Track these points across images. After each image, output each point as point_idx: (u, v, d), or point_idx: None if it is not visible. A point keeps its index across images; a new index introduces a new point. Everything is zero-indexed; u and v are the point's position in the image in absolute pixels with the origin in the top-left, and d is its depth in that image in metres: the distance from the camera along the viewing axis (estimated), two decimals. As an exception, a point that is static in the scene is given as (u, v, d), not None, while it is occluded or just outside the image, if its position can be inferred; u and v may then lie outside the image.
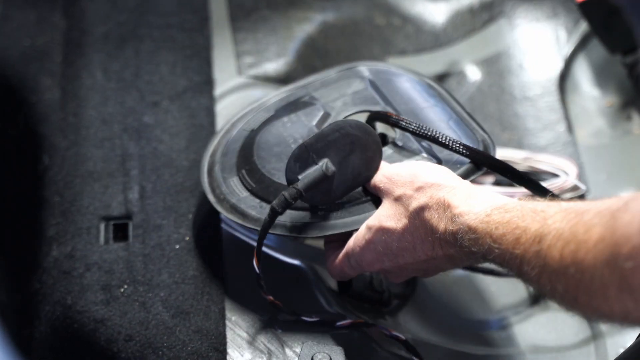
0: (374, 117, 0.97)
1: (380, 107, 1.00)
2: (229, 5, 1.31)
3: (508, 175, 0.90)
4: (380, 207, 0.87)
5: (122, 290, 0.93)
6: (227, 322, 0.92)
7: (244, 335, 0.90)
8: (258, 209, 0.93)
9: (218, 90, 1.18)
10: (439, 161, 0.92)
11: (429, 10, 1.39)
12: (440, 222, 0.79)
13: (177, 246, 0.99)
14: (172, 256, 0.97)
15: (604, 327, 1.03)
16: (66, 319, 0.91)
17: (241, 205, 0.94)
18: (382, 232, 0.85)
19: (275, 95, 1.07)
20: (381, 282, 0.98)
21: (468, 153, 0.90)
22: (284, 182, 0.91)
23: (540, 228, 0.68)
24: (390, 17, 1.38)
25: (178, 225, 1.01)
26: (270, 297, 0.90)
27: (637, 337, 0.86)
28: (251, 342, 0.90)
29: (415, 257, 0.84)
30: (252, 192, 0.95)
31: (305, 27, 1.32)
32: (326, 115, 1.00)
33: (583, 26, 1.33)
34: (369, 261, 0.87)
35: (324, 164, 0.88)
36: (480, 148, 0.93)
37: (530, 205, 0.72)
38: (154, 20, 1.25)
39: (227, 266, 0.98)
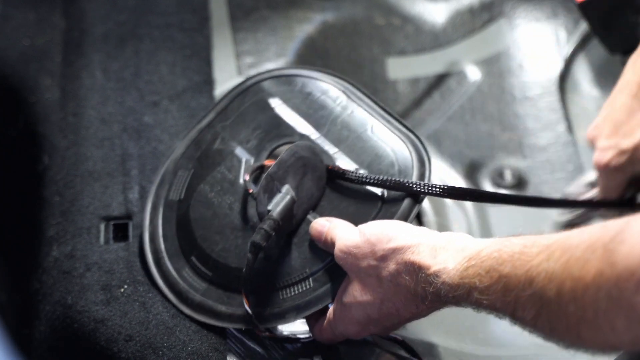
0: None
1: (296, 134, 0.95)
2: (229, 5, 1.31)
3: (455, 196, 0.89)
4: (351, 283, 0.83)
5: (122, 290, 0.93)
6: (227, 322, 0.92)
7: (244, 335, 0.90)
8: (226, 301, 0.89)
9: (218, 90, 1.18)
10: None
11: (429, 10, 1.39)
12: (417, 286, 0.77)
13: (177, 246, 0.98)
14: (172, 256, 0.97)
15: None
16: (66, 319, 0.91)
17: (208, 300, 0.90)
18: (360, 306, 0.82)
19: (183, 143, 1.01)
20: None
21: (406, 186, 0.86)
22: (239, 264, 0.88)
23: (527, 272, 0.66)
24: (390, 17, 1.38)
25: (178, 225, 1.00)
26: (268, 333, 0.88)
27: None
28: (251, 342, 0.90)
29: (401, 318, 0.82)
30: (212, 283, 0.91)
31: (305, 27, 1.32)
32: (247, 163, 0.95)
33: (583, 26, 1.33)
34: (355, 332, 0.85)
35: (288, 190, 0.87)
36: (410, 149, 0.91)
37: (505, 248, 0.69)
38: (154, 20, 1.25)
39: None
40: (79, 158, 1.07)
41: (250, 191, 0.92)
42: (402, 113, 1.33)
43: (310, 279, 0.87)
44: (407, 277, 0.77)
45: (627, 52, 1.24)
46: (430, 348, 0.96)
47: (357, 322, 0.83)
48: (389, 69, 1.35)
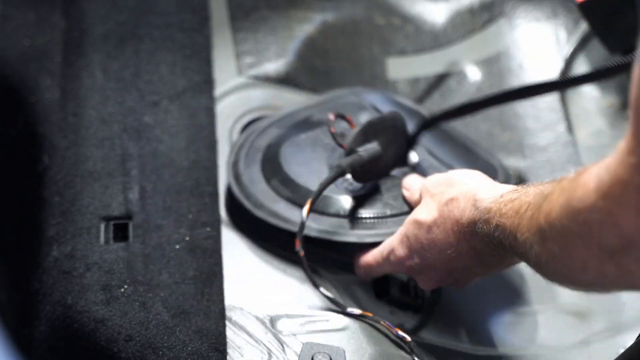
0: (426, 125, 1.04)
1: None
2: (229, 5, 1.31)
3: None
4: (419, 204, 0.92)
5: (122, 290, 0.93)
6: (227, 322, 0.92)
7: (244, 335, 0.90)
8: (298, 214, 0.95)
9: (218, 90, 1.18)
10: None
11: (429, 10, 1.39)
12: (464, 211, 0.84)
13: (177, 246, 0.98)
14: (172, 256, 0.97)
15: (604, 327, 1.03)
16: (66, 319, 0.91)
17: (282, 212, 0.98)
18: (414, 225, 0.90)
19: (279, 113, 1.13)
20: (415, 287, 1.00)
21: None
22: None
23: (539, 201, 0.71)
24: (390, 17, 1.38)
25: (178, 225, 1.01)
26: (302, 252, 0.93)
27: (637, 337, 0.86)
28: (251, 342, 0.90)
29: (443, 252, 0.87)
30: (290, 200, 0.99)
31: (305, 27, 1.32)
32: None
33: (583, 26, 1.33)
34: (400, 257, 0.91)
35: (377, 145, 0.98)
36: (501, 176, 1.06)
37: (540, 186, 0.75)
38: (154, 20, 1.25)
39: (227, 266, 0.98)
40: (79, 158, 1.07)
41: (333, 131, 1.01)
42: (402, 113, 1.33)
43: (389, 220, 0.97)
44: (460, 202, 0.85)
45: (627, 52, 1.24)
46: (431, 348, 0.97)
47: (406, 244, 0.91)
48: (389, 69, 1.35)
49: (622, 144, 0.59)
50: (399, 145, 1.02)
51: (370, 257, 0.95)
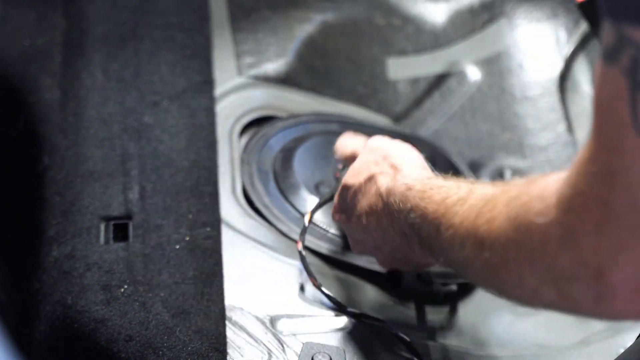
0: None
1: None
2: (229, 5, 1.31)
3: None
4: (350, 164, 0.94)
5: (122, 290, 0.93)
6: (227, 322, 0.92)
7: (244, 335, 0.90)
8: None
9: (218, 90, 1.18)
10: None
11: (429, 10, 1.39)
12: (385, 179, 0.85)
13: (177, 246, 0.98)
14: (172, 256, 0.97)
15: (604, 327, 1.03)
16: (66, 319, 0.91)
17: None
18: (342, 189, 0.93)
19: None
20: (428, 275, 1.01)
21: None
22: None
23: (477, 203, 0.66)
24: (390, 17, 1.38)
25: (178, 225, 1.01)
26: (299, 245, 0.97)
27: (637, 337, 0.86)
28: (251, 342, 0.90)
29: (366, 225, 0.88)
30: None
31: (306, 27, 1.32)
32: None
33: (583, 26, 1.33)
34: (337, 208, 0.94)
35: None
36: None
37: (474, 184, 0.72)
38: (154, 20, 1.25)
39: (227, 266, 0.98)
40: (79, 158, 1.07)
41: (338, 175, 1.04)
42: (402, 113, 1.33)
43: None
44: (384, 171, 0.86)
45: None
46: (431, 348, 0.96)
47: (340, 199, 0.94)
48: (389, 69, 1.35)
49: (581, 153, 0.54)
50: None
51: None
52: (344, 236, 1.04)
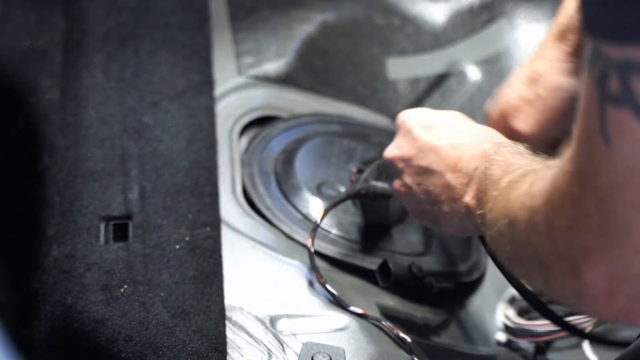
0: None
1: None
2: (229, 5, 1.31)
3: None
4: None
5: (122, 290, 0.93)
6: (227, 322, 0.92)
7: (244, 335, 0.90)
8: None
9: (218, 90, 1.18)
10: None
11: (429, 10, 1.39)
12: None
13: (177, 246, 0.98)
14: (172, 256, 0.97)
15: (603, 326, 1.03)
16: (66, 319, 0.91)
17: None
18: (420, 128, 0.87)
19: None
20: (420, 269, 1.00)
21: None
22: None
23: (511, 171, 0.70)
24: (390, 17, 1.38)
25: (178, 225, 1.01)
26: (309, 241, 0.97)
27: (638, 337, 0.86)
28: (251, 342, 0.90)
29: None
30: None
31: (306, 27, 1.32)
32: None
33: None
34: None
35: (390, 186, 0.95)
36: None
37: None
38: (154, 20, 1.25)
39: (227, 266, 0.98)
40: (79, 158, 1.07)
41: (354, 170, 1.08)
42: (402, 113, 1.33)
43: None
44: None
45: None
46: (431, 348, 0.97)
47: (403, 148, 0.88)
48: (389, 69, 1.35)
49: (566, 151, 0.57)
50: None
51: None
52: (346, 238, 1.04)
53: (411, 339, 0.91)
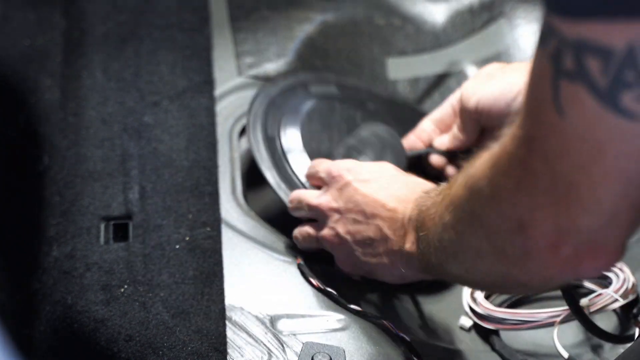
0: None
1: None
2: (229, 5, 1.31)
3: None
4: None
5: (122, 290, 0.93)
6: (227, 322, 0.92)
7: (244, 335, 0.90)
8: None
9: (218, 90, 1.18)
10: None
11: (429, 10, 1.39)
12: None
13: (177, 246, 0.99)
14: (172, 256, 0.97)
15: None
16: (66, 319, 0.91)
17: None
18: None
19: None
20: None
21: None
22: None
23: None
24: (390, 17, 1.38)
25: (178, 225, 1.01)
26: (299, 260, 0.98)
27: (638, 337, 0.86)
28: (251, 342, 0.90)
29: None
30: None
31: (306, 27, 1.32)
32: None
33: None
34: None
35: (365, 159, 0.99)
36: None
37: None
38: (154, 20, 1.25)
39: (227, 266, 0.98)
40: (79, 158, 1.07)
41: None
42: (402, 113, 1.33)
43: None
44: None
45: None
46: (431, 348, 0.97)
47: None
48: (389, 69, 1.35)
49: (514, 118, 0.60)
50: (393, 155, 1.03)
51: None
52: None
53: (411, 338, 0.91)
